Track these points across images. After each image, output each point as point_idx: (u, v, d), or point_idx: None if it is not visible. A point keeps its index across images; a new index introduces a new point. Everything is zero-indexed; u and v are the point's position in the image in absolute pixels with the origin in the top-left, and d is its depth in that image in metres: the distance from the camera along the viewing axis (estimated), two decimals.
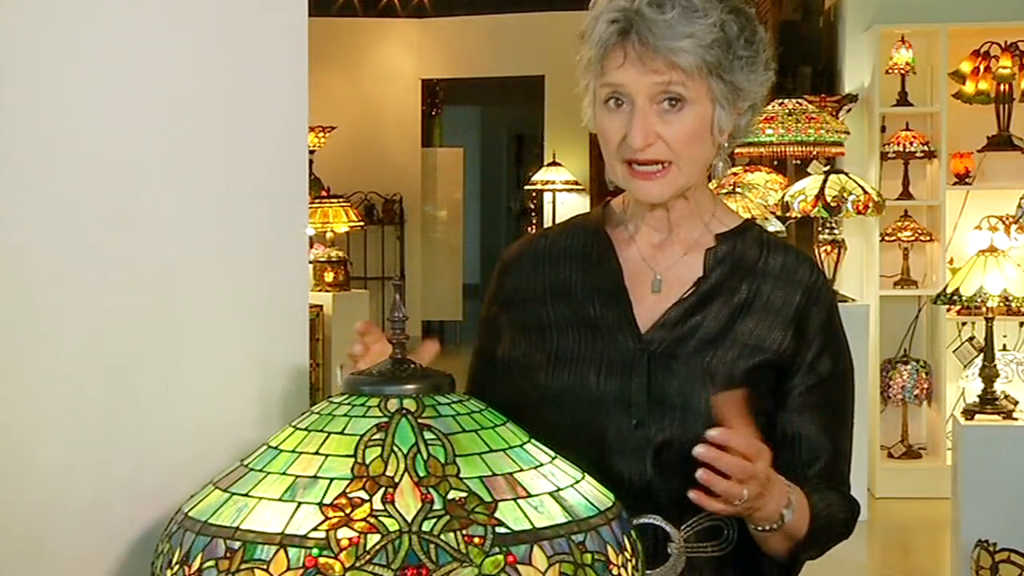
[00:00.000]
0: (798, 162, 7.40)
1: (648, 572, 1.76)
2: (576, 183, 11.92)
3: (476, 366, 1.98)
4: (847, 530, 1.88)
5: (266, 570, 1.21)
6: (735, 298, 1.84)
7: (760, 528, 1.73)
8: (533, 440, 1.41)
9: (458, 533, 1.22)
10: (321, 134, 8.91)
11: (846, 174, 6.65)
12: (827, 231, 6.71)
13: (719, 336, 1.82)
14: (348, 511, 1.23)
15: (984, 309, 5.07)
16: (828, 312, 1.87)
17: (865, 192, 6.54)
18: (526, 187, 13.20)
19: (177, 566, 1.27)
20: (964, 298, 4.93)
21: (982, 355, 5.25)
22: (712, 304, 1.84)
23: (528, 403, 1.82)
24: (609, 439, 1.78)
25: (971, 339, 7.00)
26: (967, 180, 7.22)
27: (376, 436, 1.29)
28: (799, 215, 6.69)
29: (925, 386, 7.26)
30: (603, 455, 1.77)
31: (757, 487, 1.64)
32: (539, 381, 1.83)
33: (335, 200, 8.60)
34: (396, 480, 1.25)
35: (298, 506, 1.25)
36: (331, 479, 1.26)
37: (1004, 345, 6.84)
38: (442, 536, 1.21)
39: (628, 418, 1.78)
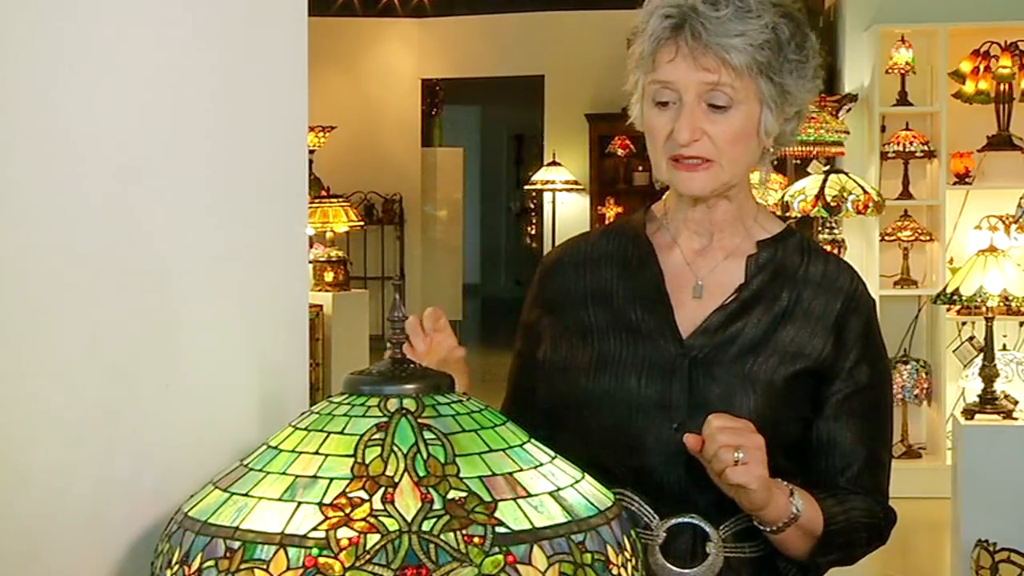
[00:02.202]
0: (798, 162, 7.40)
1: (687, 571, 1.77)
2: (576, 183, 11.92)
3: (518, 369, 1.99)
4: (876, 536, 1.89)
5: (266, 570, 1.21)
6: (776, 305, 1.85)
7: (776, 528, 1.74)
8: (533, 440, 1.41)
9: (458, 533, 1.22)
10: (321, 134, 8.91)
11: (846, 174, 6.66)
12: (827, 231, 6.71)
13: (760, 343, 1.82)
14: (348, 511, 1.23)
15: (984, 309, 5.07)
16: (867, 320, 1.87)
17: (865, 192, 6.55)
18: (526, 187, 13.21)
19: (177, 566, 1.27)
20: (964, 298, 4.93)
21: (982, 355, 5.25)
22: (753, 311, 1.84)
23: (569, 406, 1.84)
24: (648, 443, 1.79)
25: (971, 339, 7.01)
26: (967, 180, 7.23)
27: (376, 436, 1.29)
28: (799, 215, 6.69)
29: (925, 386, 7.26)
30: (642, 458, 1.78)
31: (750, 449, 1.67)
32: (580, 384, 1.84)
33: (335, 200, 8.60)
34: (396, 480, 1.25)
35: (298, 506, 1.25)
36: (331, 479, 1.26)
37: (1004, 345, 6.84)
38: (442, 536, 1.21)
39: (668, 422, 1.79)
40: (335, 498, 1.24)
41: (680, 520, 1.77)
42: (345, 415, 1.33)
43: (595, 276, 1.91)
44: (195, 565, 1.25)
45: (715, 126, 1.78)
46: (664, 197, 1.95)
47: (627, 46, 1.85)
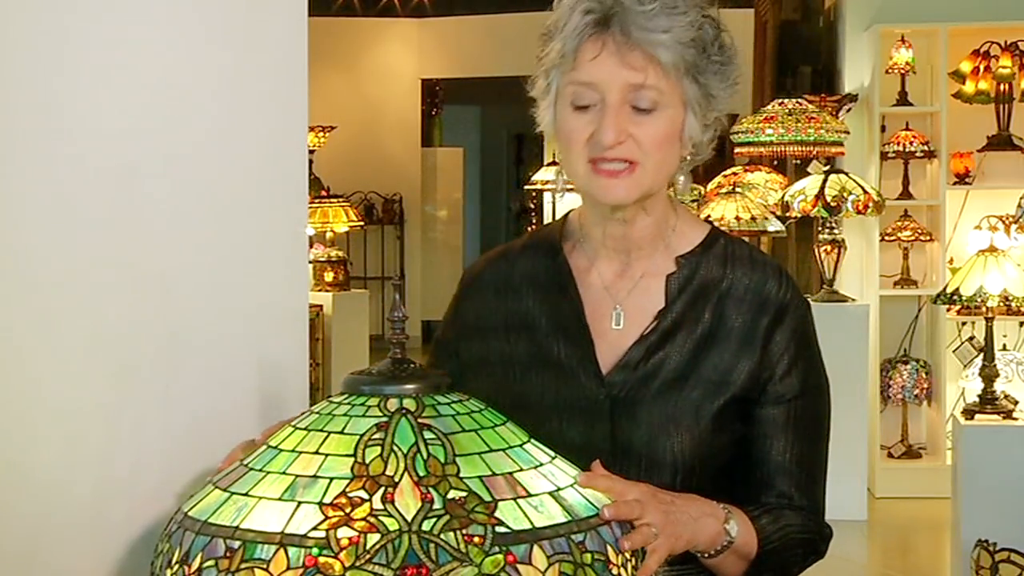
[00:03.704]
0: (798, 162, 7.40)
1: None
2: None
3: None
4: (812, 552, 1.80)
5: (266, 569, 1.21)
6: (699, 328, 1.77)
7: (711, 554, 1.66)
8: (533, 440, 1.41)
9: (458, 532, 1.22)
10: (321, 134, 8.92)
11: (846, 174, 6.66)
12: (827, 231, 6.72)
13: (684, 374, 1.75)
14: (348, 510, 1.23)
15: (984, 309, 5.07)
16: (796, 328, 1.79)
17: (865, 192, 6.55)
18: (526, 187, 13.19)
19: (177, 565, 1.27)
20: (964, 298, 4.93)
21: (982, 355, 5.25)
22: (675, 337, 1.76)
23: None
24: None
25: (971, 339, 7.01)
26: (967, 180, 7.23)
27: (376, 436, 1.29)
28: (799, 215, 6.69)
29: (925, 386, 7.26)
30: None
31: (655, 512, 1.52)
32: None
33: (335, 200, 8.61)
34: (396, 480, 1.25)
35: (298, 505, 1.25)
36: (331, 478, 1.26)
37: (1004, 345, 6.84)
38: (442, 535, 1.21)
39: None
40: (335, 498, 1.24)
41: None
42: (345, 415, 1.33)
43: (516, 302, 1.83)
44: (195, 565, 1.25)
45: (640, 128, 1.69)
46: (582, 206, 1.85)
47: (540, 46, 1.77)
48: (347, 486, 1.25)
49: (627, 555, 1.34)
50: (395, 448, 1.28)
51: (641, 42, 1.67)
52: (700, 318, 1.78)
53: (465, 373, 1.83)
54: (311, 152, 8.01)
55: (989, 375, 5.09)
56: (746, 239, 1.82)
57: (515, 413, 1.72)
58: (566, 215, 1.90)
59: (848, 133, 6.90)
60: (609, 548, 1.31)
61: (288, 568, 1.20)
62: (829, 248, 6.72)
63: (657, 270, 1.80)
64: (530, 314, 1.82)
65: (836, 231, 6.72)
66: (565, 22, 1.72)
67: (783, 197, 6.75)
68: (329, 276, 8.28)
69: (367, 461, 1.27)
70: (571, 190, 1.87)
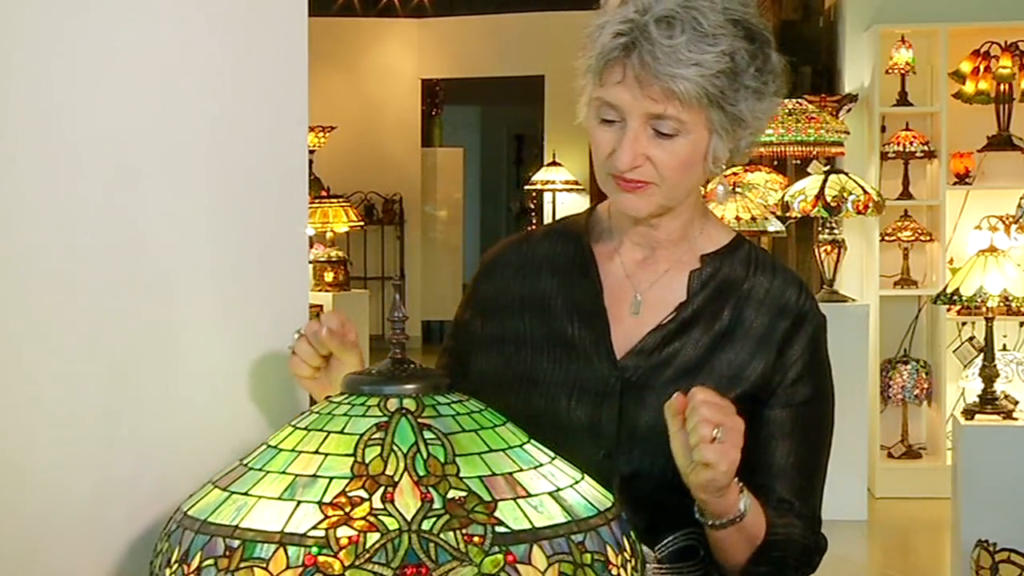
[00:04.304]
0: (798, 162, 7.40)
1: None
2: (576, 183, 11.93)
3: (443, 366, 1.90)
4: (807, 561, 1.79)
5: (265, 568, 1.21)
6: (716, 324, 1.78)
7: (719, 523, 1.65)
8: (533, 440, 1.41)
9: (458, 532, 1.22)
10: (321, 134, 8.93)
11: (846, 174, 6.67)
12: (827, 231, 6.72)
13: (697, 366, 1.76)
14: (348, 510, 1.23)
15: (984, 309, 5.08)
16: (811, 337, 1.80)
17: (865, 192, 6.56)
18: (526, 187, 13.21)
19: (176, 565, 1.27)
20: (964, 298, 4.93)
21: (982, 355, 5.25)
22: (693, 331, 1.78)
23: None
24: (578, 467, 1.72)
25: (971, 339, 7.01)
26: (967, 180, 7.23)
27: (376, 435, 1.29)
28: (799, 215, 6.70)
29: (925, 386, 7.26)
30: None
31: (729, 432, 1.55)
32: (510, 402, 1.70)
33: (335, 200, 8.62)
34: (396, 479, 1.25)
35: (297, 505, 1.25)
36: (331, 478, 1.26)
37: (1004, 345, 6.85)
38: (442, 535, 1.21)
39: (597, 447, 1.73)
40: (335, 497, 1.24)
41: None
42: (345, 415, 1.33)
43: (534, 283, 1.85)
44: (194, 564, 1.25)
45: (660, 151, 1.70)
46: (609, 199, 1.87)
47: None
48: (347, 485, 1.25)
49: (627, 555, 1.34)
50: (395, 448, 1.28)
51: (661, 77, 1.66)
52: (719, 315, 1.80)
53: (478, 350, 1.86)
54: (311, 152, 8.02)
55: (989, 375, 5.09)
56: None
57: (524, 389, 1.76)
58: (592, 207, 1.92)
59: (848, 133, 6.91)
60: (609, 548, 1.31)
61: (287, 567, 1.20)
62: (829, 248, 6.72)
63: (681, 265, 1.83)
64: (547, 294, 1.84)
65: (836, 231, 6.72)
66: (596, 38, 1.72)
67: (783, 197, 6.76)
68: (329, 276, 8.29)
69: (367, 461, 1.27)
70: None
